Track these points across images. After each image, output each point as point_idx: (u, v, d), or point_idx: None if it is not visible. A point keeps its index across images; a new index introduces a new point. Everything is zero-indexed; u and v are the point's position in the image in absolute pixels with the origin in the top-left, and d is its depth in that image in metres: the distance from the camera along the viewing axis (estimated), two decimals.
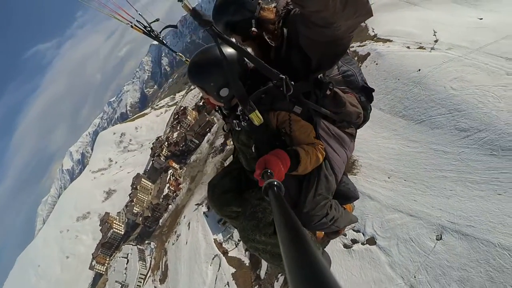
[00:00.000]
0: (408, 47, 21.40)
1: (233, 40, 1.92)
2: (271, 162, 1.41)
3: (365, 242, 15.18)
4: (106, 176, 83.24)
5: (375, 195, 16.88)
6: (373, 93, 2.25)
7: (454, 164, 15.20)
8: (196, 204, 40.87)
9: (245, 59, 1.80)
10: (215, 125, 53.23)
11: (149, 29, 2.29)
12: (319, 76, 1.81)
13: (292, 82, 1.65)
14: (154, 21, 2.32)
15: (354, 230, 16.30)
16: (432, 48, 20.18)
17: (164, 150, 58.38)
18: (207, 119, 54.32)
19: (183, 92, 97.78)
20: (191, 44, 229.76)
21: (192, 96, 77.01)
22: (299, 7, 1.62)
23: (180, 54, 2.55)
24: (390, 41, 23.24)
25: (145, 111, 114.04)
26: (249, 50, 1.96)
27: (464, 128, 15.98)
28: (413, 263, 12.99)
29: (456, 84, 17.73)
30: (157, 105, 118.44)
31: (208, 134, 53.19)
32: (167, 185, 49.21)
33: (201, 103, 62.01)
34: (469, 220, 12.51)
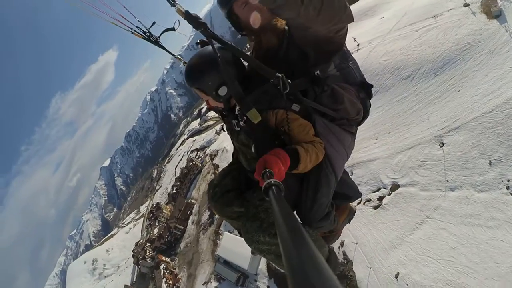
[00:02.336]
0: None
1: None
2: (270, 161, 1.39)
3: (390, 192, 15.62)
4: None
5: (373, 156, 18.11)
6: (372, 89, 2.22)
7: (415, 100, 17.71)
8: (204, 284, 36.31)
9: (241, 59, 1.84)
10: (195, 204, 51.30)
11: (148, 34, 2.32)
12: (316, 73, 1.80)
13: (289, 80, 1.65)
14: (152, 25, 2.36)
15: (373, 192, 16.86)
16: (358, 49, 24.81)
17: (148, 251, 52.82)
18: (185, 201, 52.32)
19: (146, 204, 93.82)
20: (141, 158, 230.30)
21: (160, 194, 74.44)
22: (274, 15, 1.71)
23: (179, 57, 2.56)
24: None
25: (112, 232, 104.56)
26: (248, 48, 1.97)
27: (407, 75, 19.15)
28: (438, 174, 13.78)
29: (386, 56, 21.89)
30: (123, 223, 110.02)
31: (191, 216, 50.60)
32: (164, 280, 43.21)
33: (173, 191, 60.18)
34: (451, 119, 14.36)
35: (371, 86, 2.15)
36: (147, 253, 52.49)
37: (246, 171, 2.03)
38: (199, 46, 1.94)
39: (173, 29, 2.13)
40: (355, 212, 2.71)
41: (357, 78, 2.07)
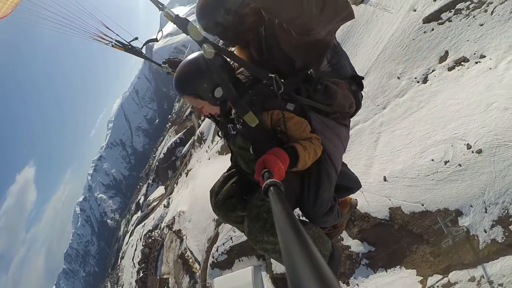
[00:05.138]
0: None
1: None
2: (269, 161, 1.32)
3: None
4: None
5: None
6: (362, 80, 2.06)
7: None
8: None
9: (231, 61, 1.75)
10: (169, 278, 44.28)
11: (129, 47, 2.24)
12: (308, 71, 1.69)
13: (282, 80, 1.55)
14: (133, 39, 2.28)
15: None
16: None
17: None
18: (158, 277, 44.52)
19: None
20: (88, 276, 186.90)
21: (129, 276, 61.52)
22: (270, 16, 1.51)
23: (164, 66, 2.47)
24: None
25: None
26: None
27: None
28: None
29: None
30: None
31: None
32: None
33: (141, 275, 50.56)
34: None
35: (362, 78, 2.07)
36: None
37: (246, 173, 1.93)
38: (167, 65, 1.96)
39: (155, 40, 2.08)
40: (356, 205, 2.66)
41: (348, 72, 1.98)
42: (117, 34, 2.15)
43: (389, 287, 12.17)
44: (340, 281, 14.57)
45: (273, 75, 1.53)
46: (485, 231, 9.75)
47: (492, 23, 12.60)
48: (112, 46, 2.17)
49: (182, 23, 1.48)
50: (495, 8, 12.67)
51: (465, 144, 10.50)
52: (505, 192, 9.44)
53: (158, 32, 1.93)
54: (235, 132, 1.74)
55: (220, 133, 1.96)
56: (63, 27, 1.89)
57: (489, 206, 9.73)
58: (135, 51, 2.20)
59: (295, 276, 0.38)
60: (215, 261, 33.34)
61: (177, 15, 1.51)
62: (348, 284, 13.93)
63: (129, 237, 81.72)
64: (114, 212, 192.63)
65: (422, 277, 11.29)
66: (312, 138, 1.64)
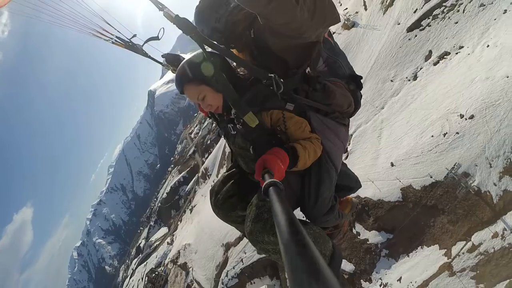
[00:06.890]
0: None
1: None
2: (269, 161, 1.29)
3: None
4: None
5: None
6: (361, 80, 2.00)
7: None
8: None
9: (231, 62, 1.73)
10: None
11: (130, 44, 2.11)
12: (306, 71, 1.67)
13: (282, 80, 1.52)
14: (133, 36, 2.19)
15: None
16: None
17: None
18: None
19: None
20: None
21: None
22: (266, 21, 1.46)
23: (166, 63, 2.26)
24: None
25: None
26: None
27: None
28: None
29: None
30: None
31: None
32: None
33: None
34: None
35: (361, 77, 2.03)
36: None
37: (247, 173, 1.90)
38: (166, 61, 2.05)
39: (157, 38, 2.01)
40: (357, 204, 2.57)
41: (346, 72, 1.93)
42: (118, 31, 2.14)
43: (413, 271, 11.74)
44: (361, 280, 14.03)
45: (272, 75, 1.51)
46: (495, 184, 9.94)
47: (465, 19, 14.67)
48: (113, 42, 2.14)
49: (182, 23, 1.45)
50: (465, 6, 14.85)
51: (458, 115, 11.40)
52: (503, 143, 9.94)
53: (159, 31, 1.93)
54: (235, 132, 1.71)
55: (220, 133, 1.93)
56: (63, 20, 1.85)
57: (492, 161, 10.08)
58: (136, 48, 2.18)
59: (295, 276, 0.37)
60: (225, 287, 31.35)
61: (177, 15, 1.49)
62: (370, 281, 13.37)
63: (129, 279, 76.08)
64: (113, 258, 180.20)
65: (445, 249, 11.02)
66: (312, 138, 1.61)
